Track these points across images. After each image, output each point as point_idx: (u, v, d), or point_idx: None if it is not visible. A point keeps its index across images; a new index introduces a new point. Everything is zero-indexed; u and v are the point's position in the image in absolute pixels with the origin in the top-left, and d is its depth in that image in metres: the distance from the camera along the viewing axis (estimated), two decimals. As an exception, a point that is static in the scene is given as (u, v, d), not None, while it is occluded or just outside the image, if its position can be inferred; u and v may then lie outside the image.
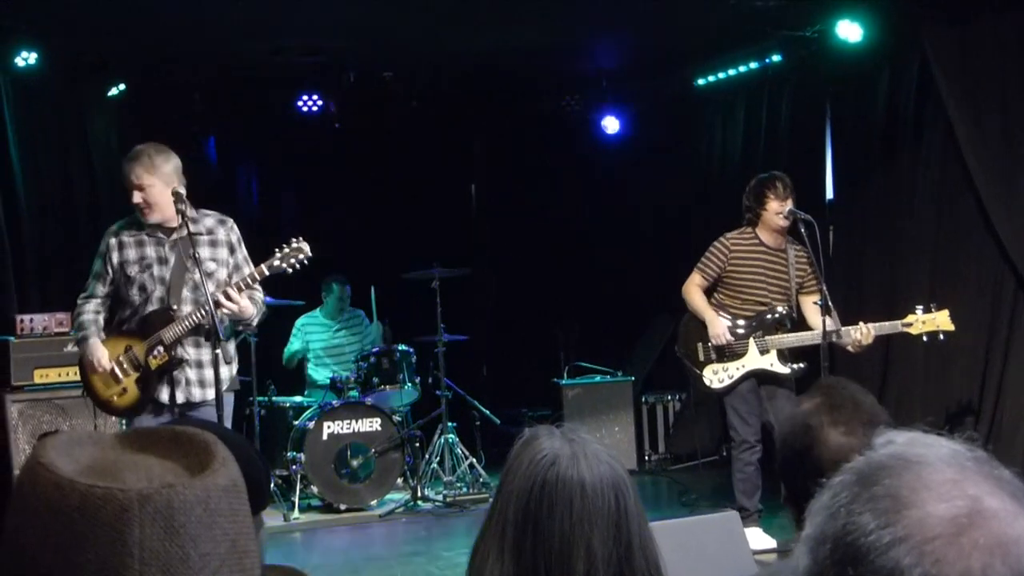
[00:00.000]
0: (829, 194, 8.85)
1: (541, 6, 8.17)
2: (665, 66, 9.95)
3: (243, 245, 5.74)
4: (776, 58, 9.20)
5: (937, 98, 7.63)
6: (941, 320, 6.50)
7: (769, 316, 6.85)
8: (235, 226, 5.73)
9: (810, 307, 6.83)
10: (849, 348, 6.64)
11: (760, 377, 6.87)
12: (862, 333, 6.52)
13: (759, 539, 6.62)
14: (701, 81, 10.05)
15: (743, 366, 6.85)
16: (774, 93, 9.35)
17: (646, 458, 9.95)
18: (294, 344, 9.49)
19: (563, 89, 10.49)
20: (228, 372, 5.56)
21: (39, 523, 1.09)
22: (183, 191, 5.44)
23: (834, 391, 2.54)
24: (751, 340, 6.84)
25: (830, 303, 6.55)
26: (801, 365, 6.83)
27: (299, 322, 9.54)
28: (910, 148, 8.01)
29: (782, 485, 2.61)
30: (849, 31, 8.14)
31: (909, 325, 6.55)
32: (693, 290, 7.03)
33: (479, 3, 8.02)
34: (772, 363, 6.81)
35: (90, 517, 1.06)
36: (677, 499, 8.32)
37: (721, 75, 9.84)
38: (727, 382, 6.87)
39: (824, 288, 6.56)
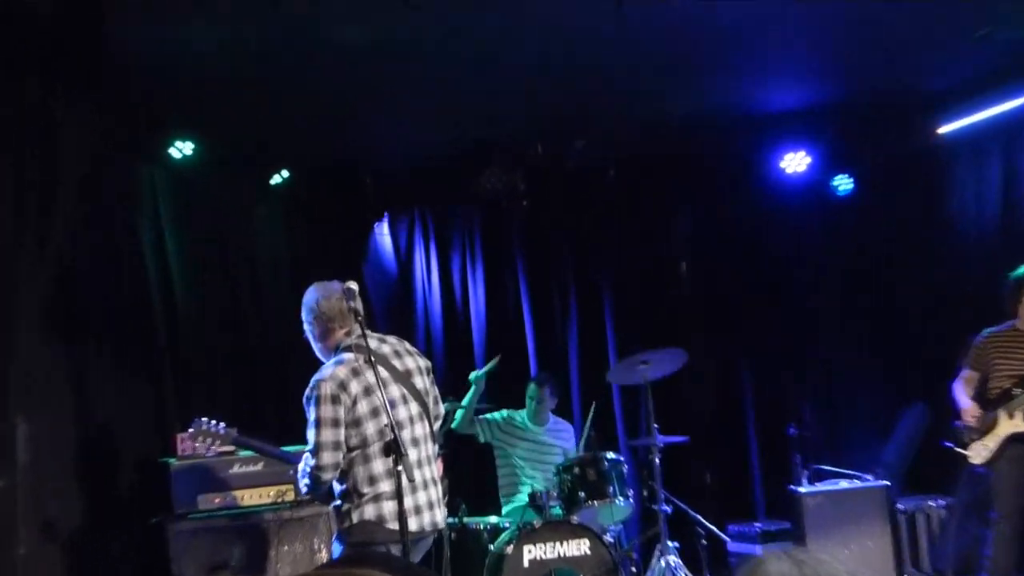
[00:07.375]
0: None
1: (750, 59, 7.82)
2: (903, 115, 9.21)
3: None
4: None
5: None
6: None
7: (1016, 389, 7.55)
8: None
9: None
10: None
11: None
12: None
13: None
14: (946, 129, 9.14)
15: (998, 435, 7.57)
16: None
17: (906, 576, 9.11)
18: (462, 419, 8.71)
19: (782, 146, 9.72)
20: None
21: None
22: None
23: None
24: (999, 411, 7.56)
25: None
26: None
27: (498, 414, 8.91)
28: None
29: None
30: None
31: None
32: (957, 379, 7.90)
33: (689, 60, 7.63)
34: (1019, 425, 7.51)
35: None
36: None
37: (970, 120, 8.93)
38: (986, 455, 7.60)
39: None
